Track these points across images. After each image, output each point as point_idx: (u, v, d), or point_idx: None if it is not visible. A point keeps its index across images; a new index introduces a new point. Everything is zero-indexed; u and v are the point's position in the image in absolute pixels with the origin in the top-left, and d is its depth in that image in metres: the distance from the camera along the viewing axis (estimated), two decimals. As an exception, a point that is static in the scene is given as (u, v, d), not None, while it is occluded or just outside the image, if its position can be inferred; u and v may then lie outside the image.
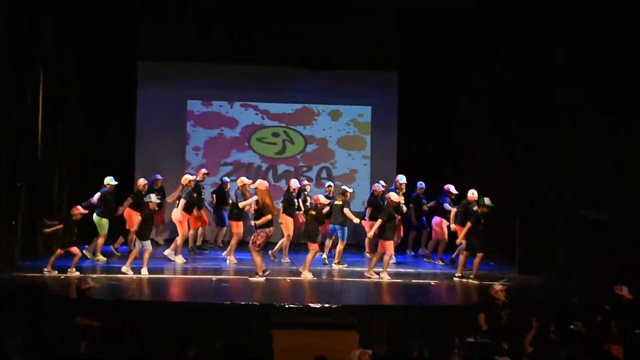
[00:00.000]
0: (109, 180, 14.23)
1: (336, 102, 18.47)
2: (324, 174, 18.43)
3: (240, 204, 13.48)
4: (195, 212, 14.81)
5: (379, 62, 17.90)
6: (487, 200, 13.32)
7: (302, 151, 18.47)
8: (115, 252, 14.86)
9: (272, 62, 17.57)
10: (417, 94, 17.82)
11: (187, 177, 14.51)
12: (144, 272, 12.63)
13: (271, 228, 12.65)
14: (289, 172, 18.32)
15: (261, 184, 12.80)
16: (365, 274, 13.20)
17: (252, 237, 12.66)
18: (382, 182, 15.44)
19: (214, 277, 12.63)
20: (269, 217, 12.36)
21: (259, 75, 17.96)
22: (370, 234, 13.56)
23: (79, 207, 13.13)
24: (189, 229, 14.72)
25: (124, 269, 12.60)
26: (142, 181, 14.92)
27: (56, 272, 12.64)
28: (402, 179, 15.17)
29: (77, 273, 12.47)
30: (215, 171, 17.89)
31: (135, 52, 17.51)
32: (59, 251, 12.73)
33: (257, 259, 12.55)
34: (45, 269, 12.66)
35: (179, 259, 14.10)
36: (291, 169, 18.41)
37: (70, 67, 15.91)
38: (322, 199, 13.27)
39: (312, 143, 18.54)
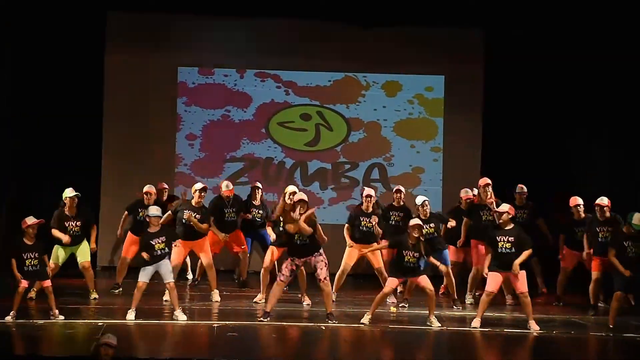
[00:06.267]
0: (67, 193, 13.78)
1: (394, 69, 18.09)
2: (375, 174, 17.99)
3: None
4: None
5: (457, 14, 17.42)
6: (637, 218, 12.60)
7: (343, 141, 18.11)
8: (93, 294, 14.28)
9: (302, 12, 17.32)
10: (513, 60, 17.38)
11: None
12: (181, 316, 12.42)
13: None
14: (325, 171, 17.98)
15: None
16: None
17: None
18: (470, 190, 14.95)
19: (214, 324, 12.37)
20: None
21: (281, 32, 17.75)
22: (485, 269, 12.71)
23: (29, 218, 12.46)
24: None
25: (176, 314, 12.48)
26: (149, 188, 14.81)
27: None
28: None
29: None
30: (219, 169, 17.66)
31: (103, -1, 17.43)
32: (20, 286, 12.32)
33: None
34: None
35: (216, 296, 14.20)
36: (328, 166, 18.01)
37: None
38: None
39: (359, 129, 18.14)
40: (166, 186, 15.65)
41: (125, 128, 17.41)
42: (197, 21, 17.43)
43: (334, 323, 12.04)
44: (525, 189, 14.99)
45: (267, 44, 17.62)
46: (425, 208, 13.72)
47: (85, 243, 13.68)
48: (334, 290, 13.76)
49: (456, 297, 13.65)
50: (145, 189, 14.50)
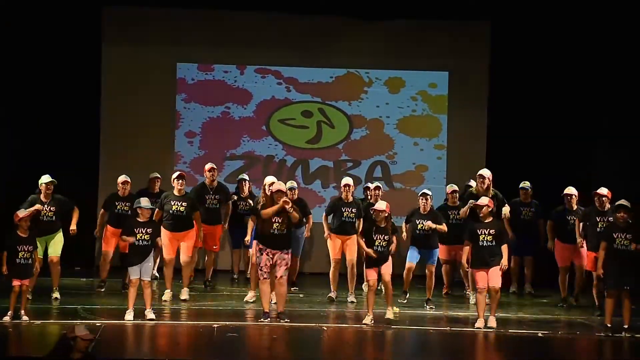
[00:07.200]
0: (43, 180, 13.63)
1: (397, 65, 18.09)
2: (377, 172, 18.02)
3: None
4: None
5: (462, 7, 17.43)
6: (622, 202, 12.36)
7: (345, 138, 18.14)
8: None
9: (303, 7, 17.34)
10: (520, 55, 17.42)
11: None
12: (150, 315, 12.33)
13: None
14: (327, 169, 18.04)
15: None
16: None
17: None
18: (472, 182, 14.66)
19: (214, 324, 12.07)
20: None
21: (282, 27, 17.75)
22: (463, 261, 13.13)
23: (20, 211, 12.43)
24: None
25: (146, 312, 12.41)
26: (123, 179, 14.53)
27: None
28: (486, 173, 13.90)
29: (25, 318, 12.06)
30: (218, 167, 17.41)
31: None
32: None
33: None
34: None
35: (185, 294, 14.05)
36: (329, 164, 18.08)
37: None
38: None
39: (361, 127, 18.14)
40: (158, 175, 15.33)
41: (123, 125, 17.39)
42: (197, 16, 17.37)
43: (286, 321, 11.93)
44: (529, 185, 14.99)
45: (268, 39, 17.56)
46: (424, 202, 13.64)
47: (59, 236, 13.47)
48: (333, 290, 13.73)
49: (430, 298, 13.53)
50: (121, 179, 14.21)
